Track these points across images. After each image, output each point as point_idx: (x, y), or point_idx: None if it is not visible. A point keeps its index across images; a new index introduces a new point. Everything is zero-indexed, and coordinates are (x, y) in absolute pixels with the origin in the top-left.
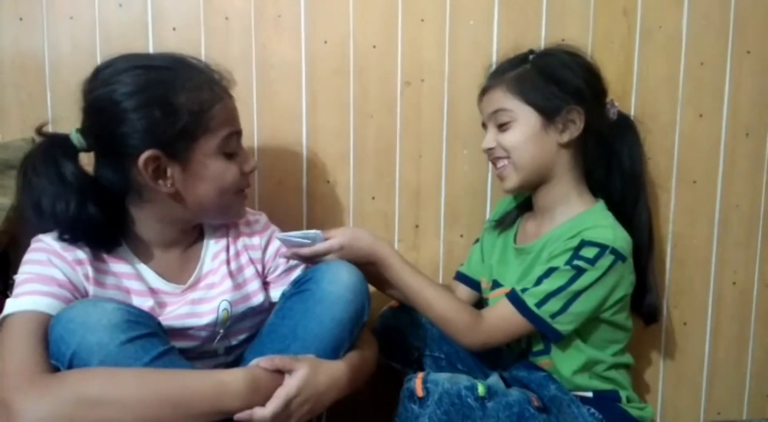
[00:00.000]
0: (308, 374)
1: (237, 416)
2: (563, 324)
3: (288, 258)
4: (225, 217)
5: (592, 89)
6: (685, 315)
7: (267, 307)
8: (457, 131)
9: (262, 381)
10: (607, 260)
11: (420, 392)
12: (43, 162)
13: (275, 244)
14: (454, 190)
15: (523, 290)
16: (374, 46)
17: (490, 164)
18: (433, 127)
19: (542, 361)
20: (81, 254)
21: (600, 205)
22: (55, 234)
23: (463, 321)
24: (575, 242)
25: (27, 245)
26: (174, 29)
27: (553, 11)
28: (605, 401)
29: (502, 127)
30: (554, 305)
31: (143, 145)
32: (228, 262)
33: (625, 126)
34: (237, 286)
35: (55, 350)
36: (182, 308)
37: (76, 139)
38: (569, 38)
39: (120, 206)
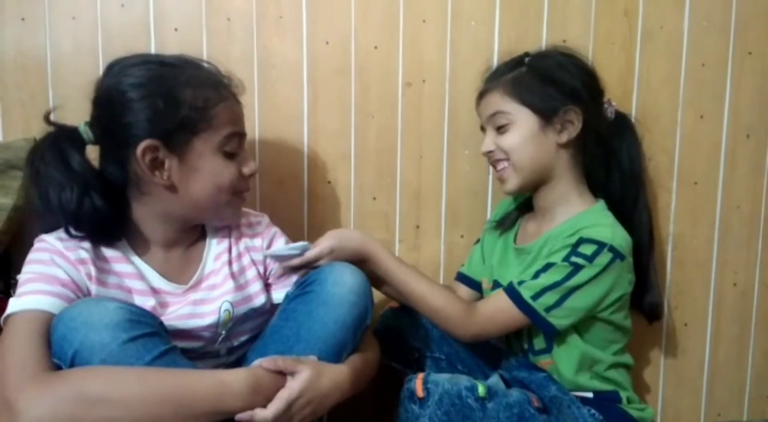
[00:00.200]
0: (311, 376)
1: (238, 416)
2: (558, 318)
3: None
4: (220, 219)
5: (588, 89)
6: (685, 316)
7: (268, 309)
8: (458, 132)
9: (264, 381)
10: (604, 258)
11: (420, 392)
12: (51, 151)
13: (277, 245)
14: (454, 190)
15: (520, 283)
16: (375, 47)
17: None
18: (434, 128)
19: (543, 360)
20: (83, 253)
21: (600, 205)
22: (57, 234)
23: (454, 312)
24: (573, 239)
25: (29, 245)
26: (176, 30)
27: (554, 12)
28: (606, 401)
29: (500, 129)
30: (550, 298)
31: (143, 135)
32: (230, 263)
33: (624, 125)
34: (239, 287)
35: (57, 349)
36: (184, 309)
37: (84, 131)
38: (570, 39)
39: (123, 201)
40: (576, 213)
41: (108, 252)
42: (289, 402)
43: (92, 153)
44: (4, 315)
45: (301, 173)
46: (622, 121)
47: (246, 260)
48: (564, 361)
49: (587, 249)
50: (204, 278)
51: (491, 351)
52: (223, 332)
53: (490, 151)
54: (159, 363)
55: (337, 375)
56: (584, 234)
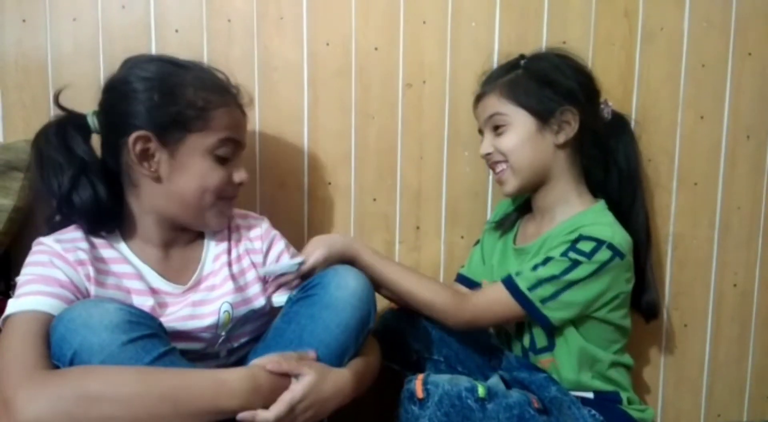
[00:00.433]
0: (315, 380)
1: (240, 416)
2: (552, 310)
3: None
4: (203, 222)
5: (584, 90)
6: (685, 316)
7: (268, 311)
8: (458, 133)
9: (263, 381)
10: (603, 255)
11: (420, 393)
12: (56, 135)
13: (277, 248)
14: (454, 191)
15: (518, 274)
16: (376, 48)
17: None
18: (435, 129)
19: (545, 359)
20: (82, 255)
21: (600, 205)
22: (55, 236)
23: (445, 301)
24: (573, 236)
25: (29, 246)
26: (176, 31)
27: (554, 13)
28: (606, 402)
29: (497, 131)
30: (546, 290)
31: (138, 125)
32: (230, 265)
33: (620, 125)
34: (239, 289)
35: (56, 350)
36: (184, 310)
37: (91, 120)
38: (570, 40)
39: (120, 192)
40: (575, 213)
41: (106, 252)
42: (292, 405)
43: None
44: (3, 316)
45: (302, 174)
46: (619, 121)
47: (246, 262)
48: (565, 360)
49: (586, 246)
50: (203, 279)
51: (491, 353)
52: (223, 333)
53: (489, 153)
54: (158, 364)
55: (339, 379)
56: (584, 231)
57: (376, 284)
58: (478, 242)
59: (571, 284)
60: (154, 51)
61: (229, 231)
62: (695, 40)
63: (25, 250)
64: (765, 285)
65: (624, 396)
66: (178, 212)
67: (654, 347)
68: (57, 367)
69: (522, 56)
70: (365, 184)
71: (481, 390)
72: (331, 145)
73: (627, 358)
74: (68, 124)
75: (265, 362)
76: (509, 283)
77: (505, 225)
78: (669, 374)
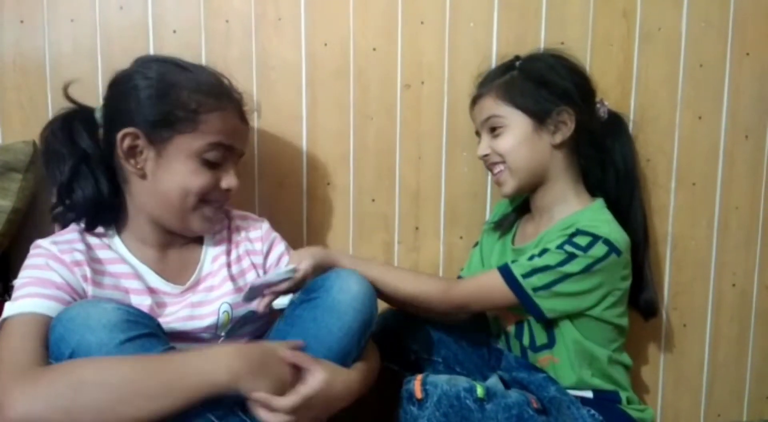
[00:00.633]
0: (329, 377)
1: (255, 395)
2: (544, 300)
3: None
4: (185, 225)
5: (580, 90)
6: (684, 316)
7: (268, 312)
8: (456, 133)
9: (252, 354)
10: (599, 250)
11: (419, 394)
12: (61, 127)
13: (277, 250)
14: (453, 191)
15: (513, 261)
16: (374, 49)
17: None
18: (433, 129)
19: (544, 356)
20: (78, 255)
21: (599, 204)
22: (52, 238)
23: (431, 290)
24: (570, 230)
25: (28, 248)
26: (174, 32)
27: (552, 13)
28: (605, 402)
29: (494, 133)
30: (539, 280)
31: (129, 122)
32: (229, 265)
33: (617, 124)
34: (238, 289)
35: (54, 349)
36: (183, 311)
37: (98, 114)
38: (569, 40)
39: (118, 188)
40: (573, 212)
41: (102, 253)
42: (307, 398)
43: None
44: (0, 319)
45: (300, 174)
46: (615, 120)
47: (246, 263)
48: (564, 357)
49: (582, 240)
50: (202, 279)
51: (490, 353)
52: (223, 334)
53: (486, 155)
54: None
55: (349, 379)
56: (581, 226)
57: None
58: (477, 243)
59: (565, 276)
60: (152, 52)
61: (229, 232)
62: (693, 40)
63: (23, 252)
64: (764, 284)
65: (623, 395)
66: (161, 212)
67: (653, 347)
68: None
69: (517, 57)
70: (364, 185)
71: (479, 391)
72: (330, 146)
73: (626, 358)
74: (75, 118)
75: (276, 346)
76: (504, 270)
77: (503, 225)
78: (668, 374)
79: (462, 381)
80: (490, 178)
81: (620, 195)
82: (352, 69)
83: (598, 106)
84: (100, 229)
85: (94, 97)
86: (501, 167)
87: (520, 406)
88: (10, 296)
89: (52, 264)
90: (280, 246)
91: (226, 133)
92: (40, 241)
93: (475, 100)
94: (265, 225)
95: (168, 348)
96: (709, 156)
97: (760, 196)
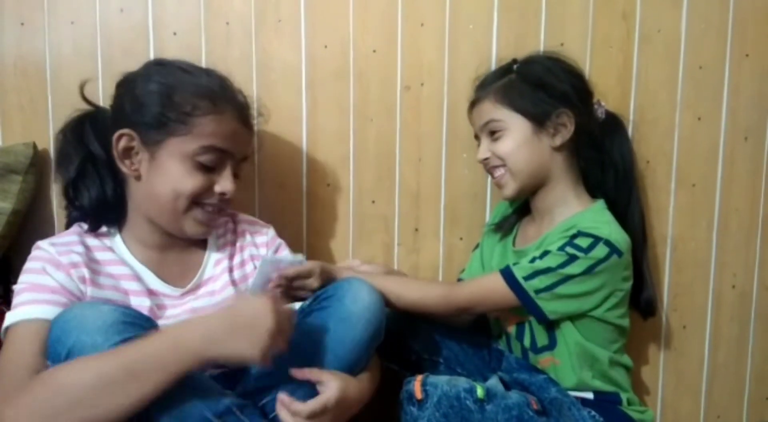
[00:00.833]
0: (344, 387)
1: (280, 396)
2: (546, 301)
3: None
4: (179, 227)
5: (578, 92)
6: (684, 318)
7: None
8: (456, 135)
9: (230, 318)
10: (600, 251)
11: (419, 394)
12: (72, 129)
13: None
14: (453, 193)
15: (515, 264)
16: (374, 50)
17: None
18: (433, 131)
19: (545, 358)
20: (76, 257)
21: (599, 205)
22: (51, 239)
23: (433, 295)
24: (571, 232)
25: (28, 249)
26: (175, 34)
27: (552, 15)
28: (606, 403)
29: (494, 136)
30: (541, 282)
31: (125, 123)
32: (231, 270)
33: (614, 125)
34: None
35: (51, 351)
36: (183, 316)
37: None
38: (568, 42)
39: (121, 191)
40: (574, 214)
41: (101, 255)
42: (325, 406)
43: None
44: (3, 327)
45: (300, 176)
46: (613, 120)
47: (249, 268)
48: (565, 358)
49: (583, 242)
50: (203, 283)
51: (491, 354)
52: None
53: (486, 158)
54: None
55: (360, 388)
56: (582, 227)
57: None
58: (477, 246)
59: (567, 278)
60: (152, 54)
61: (234, 236)
62: (693, 41)
63: (24, 253)
64: (764, 286)
65: (624, 397)
66: (155, 214)
67: (653, 348)
68: None
69: (515, 61)
70: (364, 186)
71: (479, 391)
72: (330, 147)
73: (626, 359)
74: (86, 120)
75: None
76: (506, 272)
77: (504, 227)
78: (668, 375)
79: (462, 382)
80: (489, 179)
81: (619, 195)
82: (352, 70)
83: (595, 106)
84: (102, 229)
85: (95, 99)
86: (501, 170)
87: (520, 407)
88: (10, 298)
89: (48, 269)
90: (285, 252)
91: (221, 137)
92: (39, 242)
93: (473, 104)
94: (271, 232)
95: None
96: (709, 157)
97: (760, 197)
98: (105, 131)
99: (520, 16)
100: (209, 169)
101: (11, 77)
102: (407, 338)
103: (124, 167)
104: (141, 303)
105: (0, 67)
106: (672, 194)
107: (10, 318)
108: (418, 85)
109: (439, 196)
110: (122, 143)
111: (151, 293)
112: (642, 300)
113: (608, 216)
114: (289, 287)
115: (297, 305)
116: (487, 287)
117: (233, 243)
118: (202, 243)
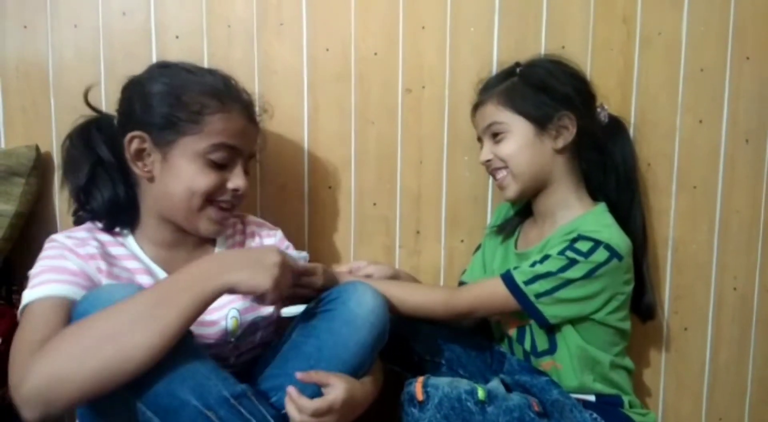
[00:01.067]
0: (350, 387)
1: (289, 389)
2: (546, 306)
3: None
4: (194, 226)
5: (580, 95)
6: (685, 320)
7: (276, 318)
8: (457, 137)
9: (242, 254)
10: (600, 255)
11: (420, 396)
12: (79, 135)
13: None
14: (454, 195)
15: (516, 268)
16: (375, 53)
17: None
18: (434, 133)
19: (546, 362)
20: (92, 249)
21: (601, 208)
22: (66, 233)
23: (435, 300)
24: (571, 236)
25: (30, 252)
26: (177, 37)
27: (553, 18)
28: (608, 406)
29: (497, 138)
30: (541, 286)
31: (136, 125)
32: None
33: (617, 128)
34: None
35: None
36: None
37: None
38: (569, 45)
39: (133, 191)
40: (576, 216)
41: (115, 250)
42: (331, 407)
43: None
44: (21, 306)
45: (302, 178)
46: (615, 124)
47: None
48: (566, 362)
49: (584, 246)
50: None
51: (492, 356)
52: (233, 339)
53: (489, 160)
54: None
55: (366, 389)
56: (582, 231)
57: None
58: (478, 247)
59: (567, 282)
60: (154, 57)
61: (243, 237)
62: (693, 44)
63: (26, 255)
64: (765, 288)
65: (625, 399)
66: (170, 213)
67: (654, 351)
68: None
69: (517, 64)
70: (365, 188)
71: (480, 393)
72: (331, 149)
73: (628, 361)
74: (92, 126)
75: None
76: (507, 277)
77: (506, 229)
78: (669, 378)
79: (463, 384)
80: (491, 181)
81: (620, 198)
82: (354, 73)
83: (598, 110)
84: (116, 230)
85: (98, 102)
86: (504, 172)
87: (522, 409)
88: (12, 299)
89: (66, 255)
90: (291, 250)
91: (230, 134)
92: (54, 235)
93: (476, 107)
94: (279, 234)
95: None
96: (710, 160)
97: (761, 200)
98: (112, 135)
99: (521, 19)
100: (221, 167)
101: (14, 80)
102: (409, 339)
103: (137, 169)
104: None
105: (3, 69)
106: (673, 196)
107: (28, 296)
108: (419, 88)
109: (440, 198)
110: (134, 145)
111: None
112: (642, 304)
113: (609, 219)
114: (296, 284)
115: (302, 307)
116: (488, 292)
117: (242, 244)
118: (211, 243)
